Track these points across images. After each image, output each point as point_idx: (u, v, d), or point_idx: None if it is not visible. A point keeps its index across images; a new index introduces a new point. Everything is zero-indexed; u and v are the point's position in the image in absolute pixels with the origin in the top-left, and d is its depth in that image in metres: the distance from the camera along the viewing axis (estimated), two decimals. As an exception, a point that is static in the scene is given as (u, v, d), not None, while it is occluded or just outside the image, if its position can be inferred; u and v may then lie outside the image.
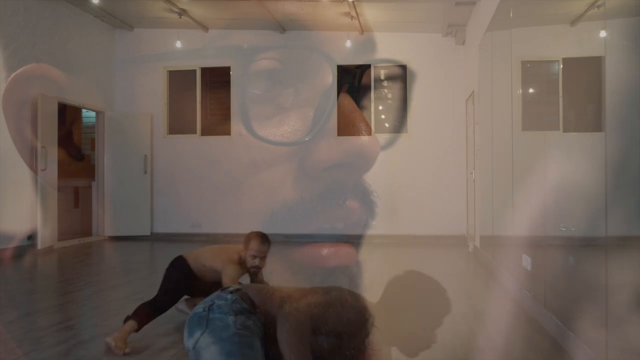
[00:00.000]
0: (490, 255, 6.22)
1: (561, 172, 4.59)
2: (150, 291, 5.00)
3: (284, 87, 8.88)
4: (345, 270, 4.45)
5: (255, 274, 3.73)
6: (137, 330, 3.39)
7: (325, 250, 5.41)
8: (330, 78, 8.93)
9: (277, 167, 8.89)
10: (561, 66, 5.26)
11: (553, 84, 5.33)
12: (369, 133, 8.94)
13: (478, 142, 7.24)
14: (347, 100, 9.05)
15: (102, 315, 4.06)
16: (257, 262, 3.59)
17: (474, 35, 7.74)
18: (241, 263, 3.63)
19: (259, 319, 2.26)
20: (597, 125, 4.27)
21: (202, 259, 3.71)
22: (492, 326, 3.88)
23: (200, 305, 2.31)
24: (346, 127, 8.99)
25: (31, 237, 7.47)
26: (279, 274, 3.92)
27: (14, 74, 7.31)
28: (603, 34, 4.12)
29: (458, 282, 5.64)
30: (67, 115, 10.16)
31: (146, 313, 3.50)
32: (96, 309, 4.35)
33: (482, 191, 6.88)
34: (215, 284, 3.55)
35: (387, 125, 9.18)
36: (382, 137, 8.99)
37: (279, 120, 8.89)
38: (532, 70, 5.91)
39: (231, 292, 2.32)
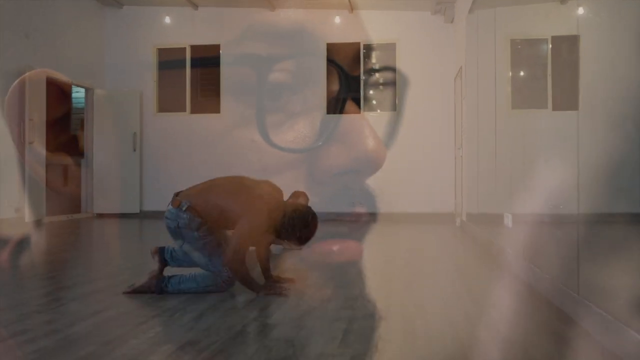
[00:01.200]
0: (475, 226, 6.26)
1: (545, 150, 4.64)
2: (137, 261, 5.05)
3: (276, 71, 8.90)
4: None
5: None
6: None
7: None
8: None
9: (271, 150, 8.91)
10: (550, 45, 5.30)
11: (542, 63, 5.37)
12: (357, 112, 8.96)
13: (465, 119, 7.27)
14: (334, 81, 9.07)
15: (84, 276, 4.07)
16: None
17: (462, 13, 7.76)
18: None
19: (208, 226, 3.27)
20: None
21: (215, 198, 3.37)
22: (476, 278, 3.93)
23: (171, 221, 3.32)
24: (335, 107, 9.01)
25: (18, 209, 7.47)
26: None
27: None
28: (580, 11, 4.16)
29: (447, 249, 5.70)
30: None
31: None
32: (81, 275, 4.36)
33: (468, 168, 6.91)
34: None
35: (374, 102, 9.20)
36: (371, 116, 9.01)
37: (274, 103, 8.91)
38: (522, 49, 5.94)
39: (184, 211, 3.25)
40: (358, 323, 2.58)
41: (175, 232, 3.27)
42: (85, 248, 6.19)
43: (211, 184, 3.42)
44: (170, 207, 3.29)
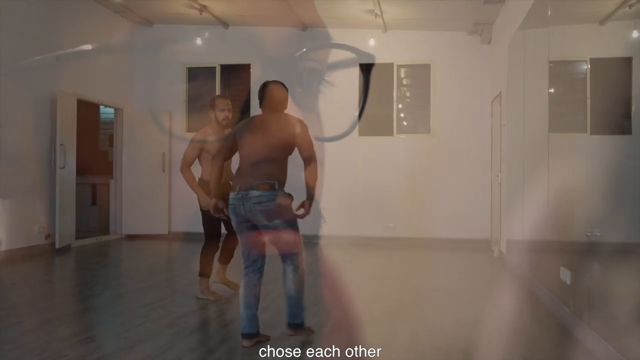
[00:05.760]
0: (519, 262, 6.02)
1: (593, 176, 4.43)
2: (173, 297, 4.92)
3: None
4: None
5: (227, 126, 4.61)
6: (208, 277, 4.65)
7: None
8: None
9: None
10: (588, 66, 5.08)
11: (581, 85, 5.16)
12: (390, 134, 8.76)
13: (505, 144, 7.03)
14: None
15: (123, 325, 3.93)
16: (226, 113, 4.62)
17: (502, 34, 7.53)
18: (208, 129, 4.63)
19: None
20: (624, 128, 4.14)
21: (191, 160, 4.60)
22: (529, 341, 3.70)
23: (270, 203, 3.42)
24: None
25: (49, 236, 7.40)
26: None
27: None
28: (635, 34, 3.94)
29: (487, 289, 5.47)
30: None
31: (202, 262, 4.65)
32: (117, 316, 4.22)
33: (510, 194, 6.66)
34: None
35: (405, 124, 8.98)
36: (404, 137, 8.81)
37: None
38: (562, 71, 5.73)
39: (277, 189, 3.46)
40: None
41: (274, 213, 3.41)
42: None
43: (250, 156, 3.50)
44: (257, 192, 3.38)
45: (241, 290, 3.50)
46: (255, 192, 3.39)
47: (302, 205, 3.49)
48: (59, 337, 3.63)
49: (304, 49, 8.93)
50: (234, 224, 3.54)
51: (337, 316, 4.19)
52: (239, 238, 3.60)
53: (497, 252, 7.45)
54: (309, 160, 3.52)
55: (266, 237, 3.50)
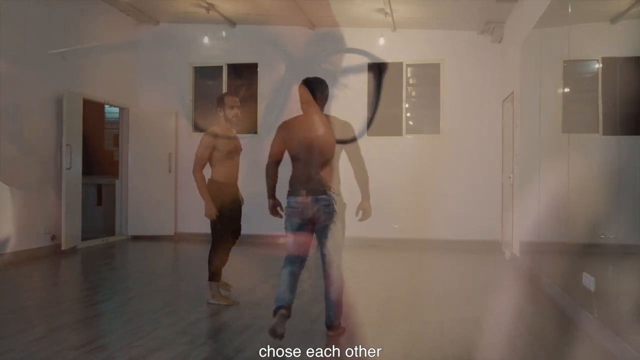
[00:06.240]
0: (533, 264, 5.91)
1: (606, 176, 4.33)
2: (183, 301, 4.81)
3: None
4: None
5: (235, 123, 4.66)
6: (219, 281, 4.59)
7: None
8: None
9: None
10: (600, 65, 4.97)
11: (594, 84, 5.05)
12: (399, 134, 8.65)
13: (518, 145, 6.92)
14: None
15: (135, 332, 3.83)
16: (236, 111, 4.58)
17: (514, 33, 7.41)
18: (217, 127, 4.56)
19: None
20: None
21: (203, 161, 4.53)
22: (555, 351, 3.60)
23: (331, 206, 3.61)
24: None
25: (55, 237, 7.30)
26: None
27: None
28: None
29: (503, 294, 5.37)
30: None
31: (212, 269, 4.54)
32: (128, 323, 4.12)
33: (523, 195, 6.54)
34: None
35: (414, 124, 8.86)
36: (413, 138, 8.69)
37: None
38: (576, 70, 5.64)
39: (332, 192, 3.64)
40: None
41: (332, 215, 3.61)
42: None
43: (309, 160, 3.60)
44: (323, 196, 3.56)
45: (284, 277, 3.63)
46: (321, 196, 3.57)
47: (360, 207, 3.79)
48: (68, 345, 3.53)
49: (323, 50, 8.81)
50: (292, 225, 3.66)
51: (356, 320, 4.08)
52: (293, 239, 3.68)
53: (509, 254, 7.34)
54: (360, 162, 3.73)
55: (317, 239, 3.71)
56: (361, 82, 8.75)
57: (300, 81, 3.81)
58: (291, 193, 3.65)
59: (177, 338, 3.69)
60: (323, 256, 3.70)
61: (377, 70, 8.72)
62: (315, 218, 3.60)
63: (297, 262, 3.68)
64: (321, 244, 3.69)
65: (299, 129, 3.65)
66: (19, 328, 3.93)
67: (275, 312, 3.48)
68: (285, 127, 3.72)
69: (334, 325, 3.70)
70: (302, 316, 4.17)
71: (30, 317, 4.25)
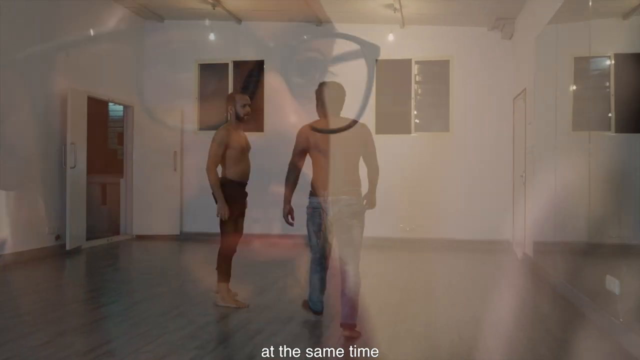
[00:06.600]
0: (549, 265, 5.78)
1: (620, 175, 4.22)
2: (191, 304, 4.69)
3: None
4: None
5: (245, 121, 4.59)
6: (228, 282, 4.46)
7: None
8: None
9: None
10: (612, 62, 4.84)
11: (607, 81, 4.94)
12: (408, 132, 8.51)
13: (531, 143, 6.78)
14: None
15: (143, 337, 3.70)
16: (247, 109, 4.51)
17: (526, 30, 7.27)
18: (229, 126, 4.49)
19: None
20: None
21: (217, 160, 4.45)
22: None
23: (358, 205, 3.79)
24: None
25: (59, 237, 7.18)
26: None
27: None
28: None
29: (520, 297, 5.23)
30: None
31: (221, 267, 4.43)
32: (135, 327, 3.99)
33: (538, 194, 6.40)
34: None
35: (422, 121, 8.72)
36: (422, 136, 8.56)
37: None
38: (587, 67, 5.53)
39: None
40: None
41: (353, 215, 3.71)
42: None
43: (334, 162, 3.70)
44: (346, 196, 3.68)
45: (314, 283, 3.94)
46: (343, 196, 3.68)
47: (365, 197, 3.87)
48: (75, 351, 3.41)
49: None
50: (314, 225, 3.82)
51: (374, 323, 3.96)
52: (315, 238, 3.84)
53: (521, 255, 7.21)
54: (375, 163, 3.87)
55: (337, 239, 3.80)
56: (362, 74, 8.60)
57: (306, 79, 3.85)
58: (313, 193, 3.79)
59: (187, 343, 3.57)
60: (341, 255, 3.77)
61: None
62: (337, 218, 3.69)
63: (323, 264, 3.88)
64: (340, 242, 3.77)
65: (320, 132, 3.74)
66: (24, 332, 3.82)
67: (307, 308, 4.03)
68: (306, 132, 3.79)
69: (349, 323, 3.68)
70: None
71: (36, 321, 4.13)
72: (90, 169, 8.07)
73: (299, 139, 3.83)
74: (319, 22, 8.64)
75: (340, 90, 3.86)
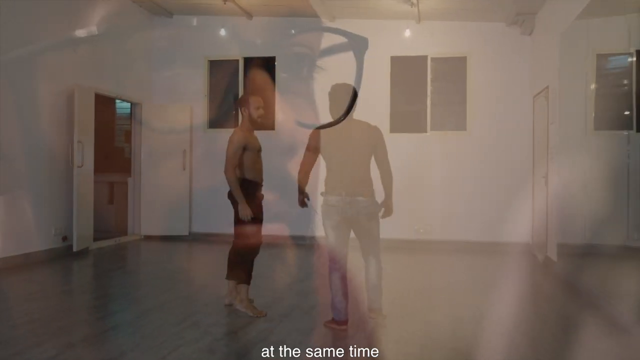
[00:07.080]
0: (574, 269, 5.55)
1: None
2: (205, 312, 4.48)
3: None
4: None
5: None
6: (249, 284, 4.34)
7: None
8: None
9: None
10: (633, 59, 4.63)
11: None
12: (424, 131, 8.28)
13: (554, 142, 6.54)
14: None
15: (158, 350, 3.49)
16: (261, 111, 4.45)
17: (548, 25, 7.03)
18: (244, 128, 4.41)
19: None
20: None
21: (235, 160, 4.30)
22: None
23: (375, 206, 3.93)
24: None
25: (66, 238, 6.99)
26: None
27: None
28: None
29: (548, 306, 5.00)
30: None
31: (242, 269, 4.32)
32: (148, 339, 3.78)
33: (563, 195, 6.16)
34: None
35: (439, 120, 8.48)
36: (438, 135, 8.32)
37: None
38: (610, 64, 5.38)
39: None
40: None
41: (370, 217, 3.86)
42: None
43: (347, 163, 3.82)
44: (363, 198, 3.80)
45: (335, 285, 3.86)
46: (361, 198, 3.81)
47: (382, 205, 3.97)
48: (86, 365, 3.20)
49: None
50: (331, 223, 3.86)
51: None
52: (335, 237, 3.88)
53: (542, 257, 6.97)
54: (387, 165, 3.94)
55: (357, 234, 3.95)
56: (384, 78, 8.38)
57: (318, 77, 3.63)
58: (328, 192, 3.87)
59: (204, 357, 3.36)
60: (363, 248, 3.99)
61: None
62: (355, 220, 3.84)
63: (342, 264, 3.87)
64: (360, 239, 3.98)
65: (333, 133, 3.84)
66: (31, 342, 3.61)
67: (333, 323, 3.85)
68: (319, 134, 3.88)
69: (374, 307, 3.97)
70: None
71: (43, 330, 3.92)
72: (97, 168, 7.87)
73: (310, 141, 3.92)
74: (332, 17, 8.40)
75: (352, 92, 3.71)
